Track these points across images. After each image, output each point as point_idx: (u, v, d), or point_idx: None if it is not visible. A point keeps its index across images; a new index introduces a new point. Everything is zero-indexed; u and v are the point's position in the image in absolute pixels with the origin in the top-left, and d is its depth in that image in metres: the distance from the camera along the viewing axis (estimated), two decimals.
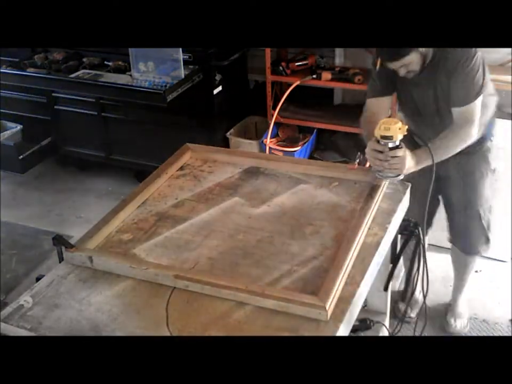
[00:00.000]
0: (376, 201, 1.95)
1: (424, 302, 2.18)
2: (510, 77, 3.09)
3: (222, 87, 3.61)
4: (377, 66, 2.19)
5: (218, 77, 3.58)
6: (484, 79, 2.16)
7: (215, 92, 3.58)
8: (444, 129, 2.22)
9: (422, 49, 2.12)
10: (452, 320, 2.80)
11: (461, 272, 2.77)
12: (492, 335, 2.72)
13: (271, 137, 3.71)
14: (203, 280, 1.65)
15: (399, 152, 1.98)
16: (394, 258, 2.16)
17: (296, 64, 3.61)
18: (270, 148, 3.63)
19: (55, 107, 4.02)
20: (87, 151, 4.10)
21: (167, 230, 1.92)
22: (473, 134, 2.19)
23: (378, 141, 1.99)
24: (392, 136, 1.96)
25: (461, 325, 2.78)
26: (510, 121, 3.10)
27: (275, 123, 3.70)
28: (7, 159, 4.14)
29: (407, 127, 1.97)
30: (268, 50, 3.55)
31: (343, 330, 1.53)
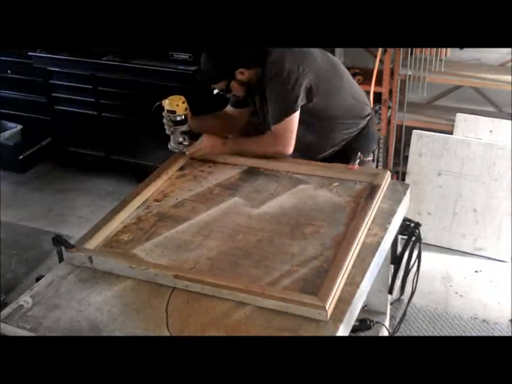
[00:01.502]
0: (376, 202, 1.95)
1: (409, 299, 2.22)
2: (510, 77, 3.09)
3: None
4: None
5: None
6: (298, 96, 2.17)
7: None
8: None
9: (241, 78, 2.23)
10: None
11: None
12: (492, 335, 2.72)
13: None
14: (203, 281, 1.65)
15: (183, 127, 2.24)
16: (394, 259, 2.16)
17: None
18: None
19: (55, 107, 4.02)
20: (87, 151, 4.10)
21: (167, 230, 1.92)
22: (281, 149, 2.23)
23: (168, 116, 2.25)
24: (174, 111, 2.22)
25: None
26: (510, 121, 3.10)
27: None
28: (7, 159, 4.14)
29: (186, 106, 2.24)
30: None
31: (343, 331, 1.53)
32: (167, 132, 2.27)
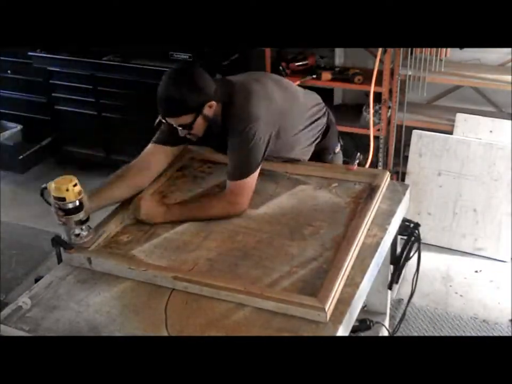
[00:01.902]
0: (376, 202, 1.95)
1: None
2: (510, 77, 3.08)
3: None
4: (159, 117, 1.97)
5: (218, 77, 3.57)
6: (262, 156, 1.98)
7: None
8: None
9: (206, 113, 1.92)
10: None
11: None
12: (492, 335, 2.71)
13: None
14: (202, 282, 1.65)
15: (79, 216, 1.78)
16: (394, 259, 2.15)
17: (296, 64, 3.60)
18: None
19: (55, 107, 4.02)
20: (87, 151, 4.10)
21: (166, 231, 1.92)
22: (240, 208, 1.98)
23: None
24: (64, 198, 1.75)
25: None
26: (510, 121, 3.10)
27: None
28: (7, 159, 4.14)
29: (80, 189, 1.76)
30: (267, 50, 3.54)
31: (342, 332, 1.53)
32: (57, 222, 1.80)
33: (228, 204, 1.97)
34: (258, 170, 2.00)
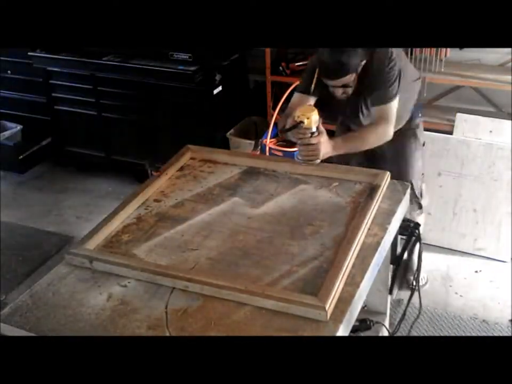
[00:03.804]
0: (376, 202, 1.95)
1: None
2: (510, 77, 3.09)
3: (222, 87, 3.61)
4: (314, 82, 2.30)
5: (218, 77, 3.58)
6: (399, 81, 2.31)
7: (215, 91, 3.58)
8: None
9: (358, 71, 2.25)
10: None
11: None
12: (492, 335, 2.71)
13: (271, 137, 3.71)
14: (202, 281, 1.65)
15: (314, 140, 2.10)
16: (394, 259, 2.16)
17: (296, 64, 3.61)
18: (269, 148, 3.63)
19: (55, 107, 4.02)
20: (87, 151, 4.10)
21: (167, 230, 1.92)
22: (390, 133, 2.31)
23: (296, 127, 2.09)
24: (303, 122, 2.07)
25: None
26: (510, 121, 3.10)
27: (275, 123, 3.70)
28: (7, 159, 4.14)
29: (317, 116, 2.07)
30: (267, 50, 3.55)
31: (343, 331, 1.53)
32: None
33: (379, 129, 2.28)
34: (397, 100, 2.30)
